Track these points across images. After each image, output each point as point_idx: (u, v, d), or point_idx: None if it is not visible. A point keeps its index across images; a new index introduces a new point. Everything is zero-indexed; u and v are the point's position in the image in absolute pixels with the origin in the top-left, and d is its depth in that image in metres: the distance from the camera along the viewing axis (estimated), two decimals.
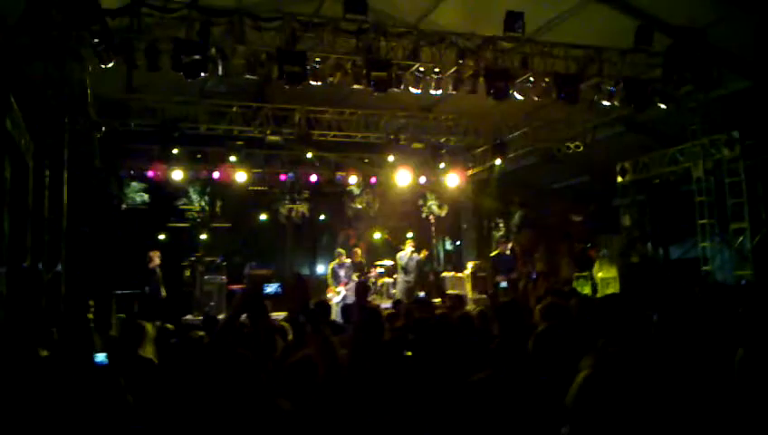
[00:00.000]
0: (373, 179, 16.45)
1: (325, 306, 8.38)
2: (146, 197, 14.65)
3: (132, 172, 14.29)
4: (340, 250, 13.81)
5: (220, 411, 2.88)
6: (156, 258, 12.70)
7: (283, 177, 15.69)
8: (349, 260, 13.57)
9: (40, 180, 8.29)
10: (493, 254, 14.05)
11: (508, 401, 2.33)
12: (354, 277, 13.34)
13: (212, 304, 13.14)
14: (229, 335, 3.42)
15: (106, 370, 3.95)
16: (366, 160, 15.93)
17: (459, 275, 15.51)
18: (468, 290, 14.41)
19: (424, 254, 14.29)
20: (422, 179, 16.36)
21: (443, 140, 14.69)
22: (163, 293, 12.50)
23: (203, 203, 15.49)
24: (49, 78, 7.92)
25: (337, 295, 12.76)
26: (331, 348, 3.58)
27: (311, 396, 3.22)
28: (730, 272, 11.32)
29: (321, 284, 14.04)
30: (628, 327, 3.69)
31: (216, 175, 14.61)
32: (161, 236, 15.80)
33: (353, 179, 16.39)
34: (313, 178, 15.72)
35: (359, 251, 14.39)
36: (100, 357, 4.14)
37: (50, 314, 7.66)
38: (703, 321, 3.83)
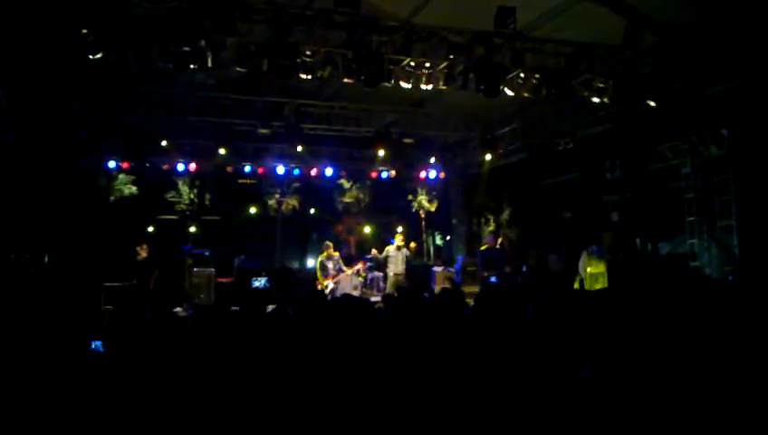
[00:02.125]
0: (363, 174, 16.45)
1: (321, 296, 8.39)
2: (134, 189, 14.56)
3: (120, 164, 14.20)
4: (328, 243, 13.76)
5: (207, 395, 2.89)
6: (143, 251, 12.66)
7: (272, 170, 15.65)
8: (337, 253, 13.56)
9: (27, 172, 8.23)
10: (482, 248, 14.09)
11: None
12: (345, 269, 13.36)
13: (201, 296, 13.11)
14: (215, 322, 3.43)
15: (103, 357, 3.96)
16: (356, 155, 15.91)
17: (450, 269, 15.55)
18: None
19: (413, 247, 14.30)
20: (412, 174, 16.37)
21: (433, 134, 14.69)
22: (151, 285, 12.46)
23: (192, 195, 15.42)
24: (37, 70, 7.85)
25: (325, 289, 12.75)
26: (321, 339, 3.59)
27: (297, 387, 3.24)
28: (717, 268, 11.42)
29: (313, 277, 14.05)
30: (618, 321, 3.72)
31: (204, 167, 14.56)
32: (150, 229, 15.71)
33: (343, 174, 16.40)
34: (303, 171, 15.68)
35: (350, 245, 14.43)
36: (96, 344, 4.13)
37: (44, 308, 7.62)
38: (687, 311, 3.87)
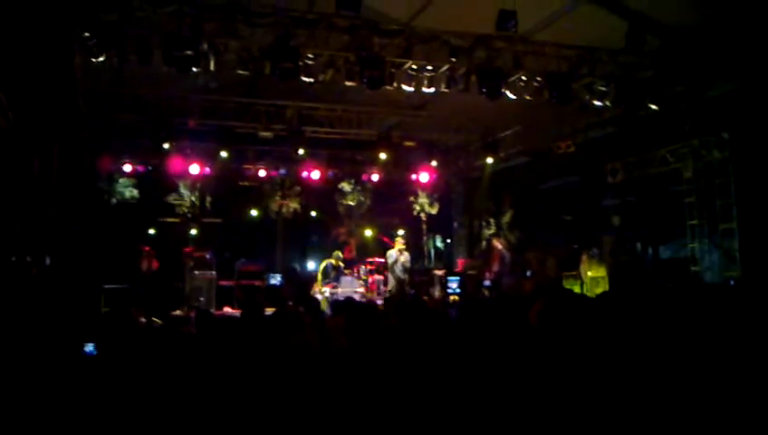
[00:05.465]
0: (364, 177, 16.44)
1: (315, 301, 8.45)
2: (135, 192, 14.57)
3: (122, 167, 14.21)
4: (339, 253, 13.75)
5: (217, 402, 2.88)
6: (145, 258, 12.72)
7: (274, 173, 15.66)
8: (343, 264, 13.56)
9: (29, 174, 8.23)
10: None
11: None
12: (342, 278, 13.34)
13: (201, 299, 13.08)
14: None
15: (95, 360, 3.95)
16: (358, 158, 15.92)
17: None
18: None
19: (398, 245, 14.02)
20: (413, 177, 16.37)
21: (435, 137, 14.70)
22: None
23: (193, 198, 15.42)
24: (38, 73, 7.85)
25: (321, 295, 12.73)
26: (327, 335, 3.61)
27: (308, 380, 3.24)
28: (718, 272, 11.40)
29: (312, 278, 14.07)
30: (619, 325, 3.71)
31: (206, 170, 14.56)
32: (151, 231, 15.73)
33: (345, 176, 16.41)
34: (305, 174, 15.68)
35: (351, 248, 14.41)
36: (89, 347, 4.13)
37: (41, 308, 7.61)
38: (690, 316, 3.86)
